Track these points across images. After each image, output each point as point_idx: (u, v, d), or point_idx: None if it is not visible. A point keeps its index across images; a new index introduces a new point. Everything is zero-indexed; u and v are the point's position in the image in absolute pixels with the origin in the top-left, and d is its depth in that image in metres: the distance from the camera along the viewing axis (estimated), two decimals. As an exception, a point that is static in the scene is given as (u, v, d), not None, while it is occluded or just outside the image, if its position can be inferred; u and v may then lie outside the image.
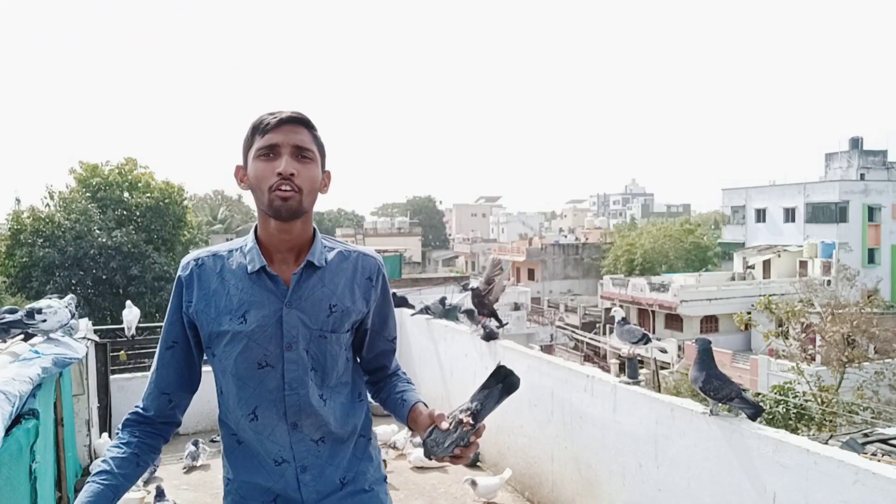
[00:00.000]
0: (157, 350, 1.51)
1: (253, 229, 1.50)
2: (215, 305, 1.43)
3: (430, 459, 1.42)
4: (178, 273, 1.49)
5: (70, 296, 4.04)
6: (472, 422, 1.34)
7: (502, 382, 1.38)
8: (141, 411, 1.51)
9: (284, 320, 1.42)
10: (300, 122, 1.43)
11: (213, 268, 1.46)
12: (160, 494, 4.12)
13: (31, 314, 3.44)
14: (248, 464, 1.47)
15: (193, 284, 1.45)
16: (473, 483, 4.22)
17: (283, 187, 1.37)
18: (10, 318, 3.38)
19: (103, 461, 1.42)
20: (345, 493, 1.49)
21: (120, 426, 1.50)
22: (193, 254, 1.51)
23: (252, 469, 1.46)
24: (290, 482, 1.45)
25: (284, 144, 1.39)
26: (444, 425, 1.36)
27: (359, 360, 1.62)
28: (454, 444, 1.34)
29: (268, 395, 1.43)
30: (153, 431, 1.50)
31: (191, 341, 1.48)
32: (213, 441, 5.48)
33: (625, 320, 4.19)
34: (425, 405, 1.52)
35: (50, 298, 3.78)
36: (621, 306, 31.70)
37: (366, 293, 1.53)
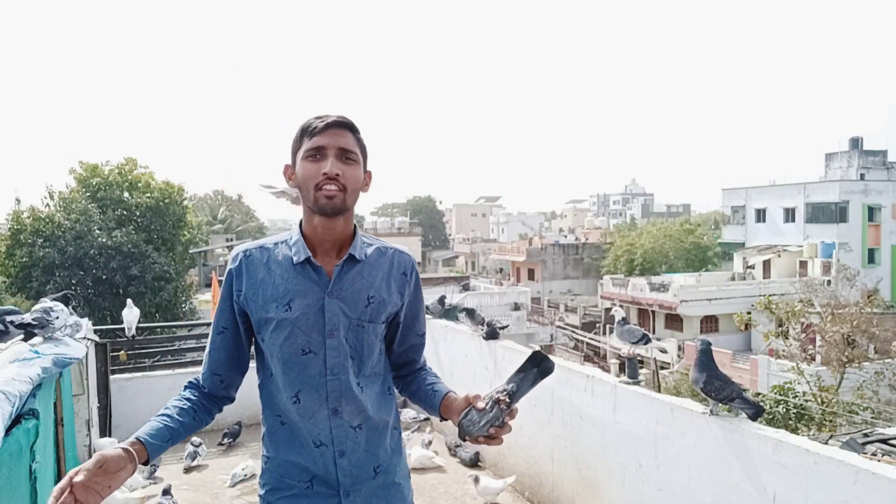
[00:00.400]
0: (210, 335, 1.62)
1: (298, 224, 1.61)
2: (262, 294, 1.53)
3: (465, 441, 1.46)
4: (228, 265, 1.60)
5: (63, 293, 4.04)
6: (507, 401, 1.40)
7: (538, 367, 1.44)
8: (198, 382, 1.62)
9: (326, 309, 1.52)
10: (345, 126, 1.54)
11: (261, 259, 1.57)
12: (166, 492, 4.14)
13: (47, 312, 3.50)
14: (289, 444, 1.56)
15: (242, 275, 1.56)
16: (476, 480, 4.21)
17: (328, 186, 1.48)
18: (31, 316, 3.44)
19: (163, 409, 1.53)
20: (377, 482, 1.59)
21: (182, 388, 1.61)
22: (242, 246, 1.62)
23: (293, 449, 1.55)
24: (328, 465, 1.54)
25: (330, 147, 1.50)
26: (481, 405, 1.43)
27: (390, 354, 1.70)
28: (489, 423, 1.40)
29: (310, 381, 1.52)
30: (208, 401, 1.61)
31: (240, 327, 1.59)
32: (226, 436, 5.52)
33: (625, 320, 4.20)
34: (456, 394, 1.60)
35: (45, 300, 3.79)
36: (621, 306, 31.72)
37: (401, 287, 1.63)
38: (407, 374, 1.73)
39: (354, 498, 1.56)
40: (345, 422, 1.54)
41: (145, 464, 1.44)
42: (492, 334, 5.08)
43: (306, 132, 1.53)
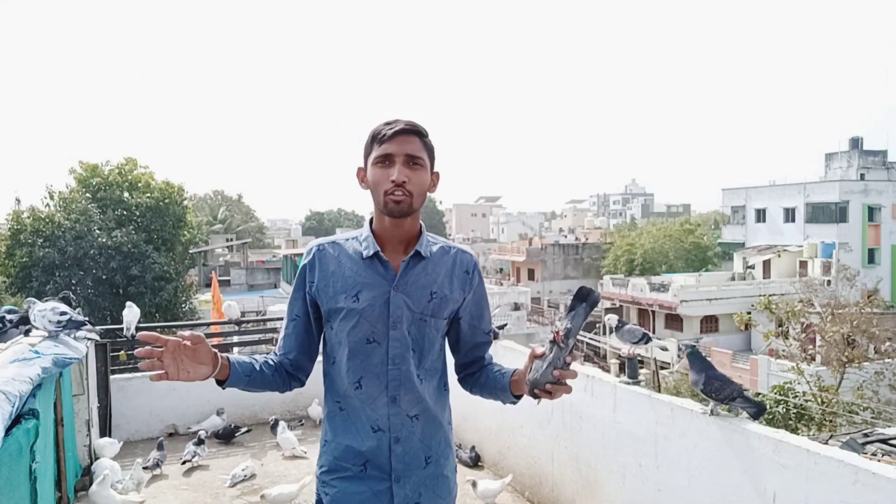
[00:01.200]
0: (284, 321, 1.74)
1: (368, 221, 1.71)
2: (333, 285, 1.63)
3: (536, 398, 1.50)
4: (303, 259, 1.71)
5: (62, 294, 4.06)
6: (563, 337, 1.44)
7: (585, 301, 1.47)
8: (277, 356, 1.74)
9: (391, 302, 1.60)
10: (413, 132, 1.61)
11: (332, 253, 1.67)
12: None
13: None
14: (346, 429, 1.64)
15: (315, 267, 1.66)
16: (474, 484, 4.20)
17: (396, 192, 1.57)
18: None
19: (251, 356, 1.68)
20: (428, 472, 1.65)
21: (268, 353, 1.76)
22: (315, 241, 1.72)
23: (350, 433, 1.63)
24: (383, 450, 1.61)
25: (398, 154, 1.58)
26: (540, 350, 1.48)
27: (457, 353, 1.79)
28: (552, 365, 1.44)
29: (373, 369, 1.61)
30: (284, 372, 1.72)
31: (311, 316, 1.69)
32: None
33: (621, 323, 4.15)
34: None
35: (31, 300, 3.81)
36: (620, 307, 31.71)
37: (463, 285, 1.71)
38: (475, 370, 1.78)
39: (404, 484, 1.62)
40: (402, 410, 1.61)
41: (220, 384, 1.58)
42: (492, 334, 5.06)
43: (376, 139, 1.61)
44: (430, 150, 1.66)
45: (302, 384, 1.77)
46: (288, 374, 1.73)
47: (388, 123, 1.61)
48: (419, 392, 1.63)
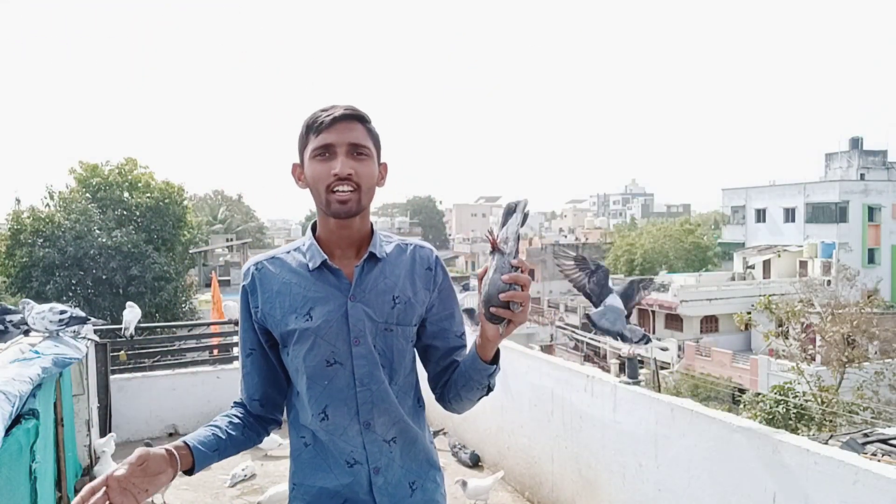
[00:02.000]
0: (240, 358, 1.53)
1: (311, 227, 1.50)
2: (280, 306, 1.42)
3: (495, 320, 1.30)
4: (242, 282, 1.49)
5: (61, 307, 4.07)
6: (503, 244, 1.29)
7: (514, 212, 1.33)
8: (243, 402, 1.53)
9: (350, 314, 1.40)
10: (354, 117, 1.41)
11: (274, 270, 1.46)
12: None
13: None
14: (318, 467, 1.44)
15: (257, 290, 1.45)
16: (464, 484, 4.17)
17: (341, 188, 1.37)
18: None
19: (212, 421, 1.45)
20: (415, 500, 1.46)
21: (230, 407, 1.53)
22: (252, 260, 1.50)
23: (322, 472, 1.43)
24: (363, 485, 1.42)
25: (340, 143, 1.38)
26: (481, 270, 1.32)
27: (428, 363, 1.57)
28: (498, 271, 1.27)
29: (338, 394, 1.41)
30: (256, 421, 1.52)
31: (266, 346, 1.48)
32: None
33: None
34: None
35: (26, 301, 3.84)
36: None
37: (426, 283, 1.51)
38: (448, 377, 1.54)
39: None
40: (378, 436, 1.42)
41: (188, 473, 1.33)
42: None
43: (312, 128, 1.40)
44: (375, 138, 1.45)
45: (280, 424, 1.56)
46: (260, 420, 1.52)
47: (324, 110, 1.41)
48: (394, 412, 1.43)
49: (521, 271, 1.27)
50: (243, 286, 1.48)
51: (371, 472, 1.41)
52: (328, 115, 1.39)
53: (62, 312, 3.69)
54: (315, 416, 1.42)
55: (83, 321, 3.82)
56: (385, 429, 1.43)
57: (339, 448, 1.42)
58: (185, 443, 1.33)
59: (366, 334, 1.41)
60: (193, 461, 1.32)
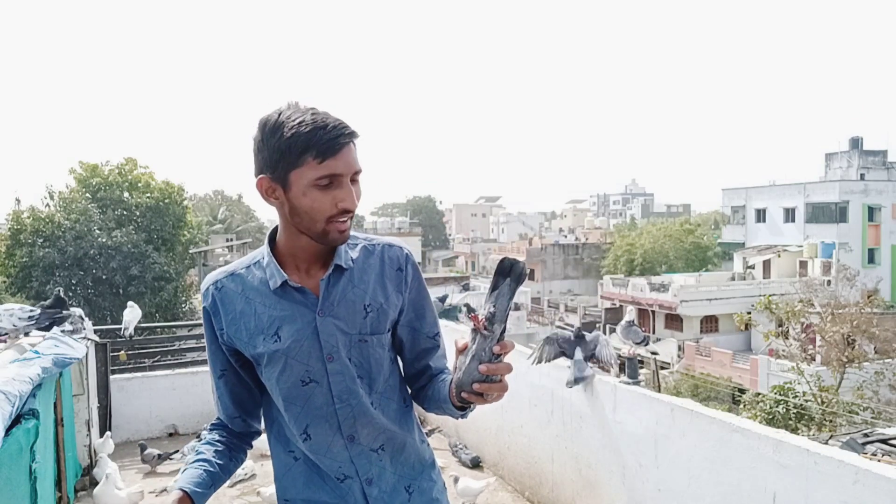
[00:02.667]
0: (212, 379, 1.47)
1: (267, 239, 1.39)
2: (245, 328, 1.35)
3: (464, 406, 1.24)
4: (202, 303, 1.41)
5: (55, 294, 4.09)
6: (485, 324, 1.16)
7: (509, 275, 1.19)
8: (222, 422, 1.49)
9: (320, 330, 1.33)
10: (353, 138, 1.28)
11: (235, 289, 1.37)
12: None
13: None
14: (309, 482, 1.38)
15: (219, 311, 1.37)
16: (456, 480, 4.16)
17: (342, 219, 1.28)
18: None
19: (198, 451, 1.42)
20: (414, 502, 1.42)
21: (207, 428, 1.50)
22: (210, 278, 1.41)
23: (313, 487, 1.38)
24: (357, 498, 1.37)
25: (347, 174, 1.26)
26: (462, 343, 1.21)
27: (403, 364, 1.51)
28: (476, 359, 1.17)
29: (317, 412, 1.35)
30: (238, 439, 1.49)
31: (235, 366, 1.42)
32: (197, 438, 5.46)
33: (632, 322, 4.18)
34: None
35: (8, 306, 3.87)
36: (620, 307, 31.71)
37: (398, 286, 1.42)
38: (425, 383, 1.49)
39: None
40: (364, 447, 1.37)
41: None
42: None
43: (310, 150, 1.23)
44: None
45: (260, 434, 1.51)
46: (242, 437, 1.49)
47: (323, 128, 1.23)
48: (378, 422, 1.38)
49: (504, 354, 1.18)
50: (204, 307, 1.40)
51: (364, 484, 1.37)
52: (333, 139, 1.23)
53: (31, 310, 3.75)
54: (298, 436, 1.37)
55: (55, 319, 3.84)
56: (370, 439, 1.38)
57: (327, 465, 1.37)
58: (182, 490, 1.30)
59: (339, 349, 1.34)
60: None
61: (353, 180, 1.29)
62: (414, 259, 1.48)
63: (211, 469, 1.38)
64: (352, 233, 1.40)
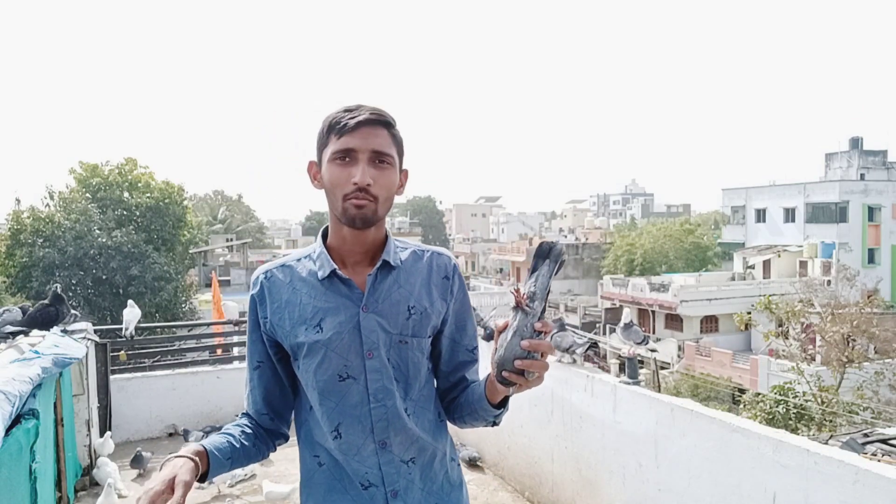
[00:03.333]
0: (246, 371, 1.46)
1: (321, 232, 1.43)
2: (289, 317, 1.36)
3: (507, 384, 1.21)
4: (251, 291, 1.42)
5: (53, 290, 4.11)
6: (527, 301, 1.19)
7: (548, 257, 1.23)
8: (251, 416, 1.47)
9: (362, 325, 1.33)
10: (380, 122, 1.32)
11: (283, 279, 1.39)
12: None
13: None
14: (332, 488, 1.35)
15: (266, 299, 1.39)
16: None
17: (358, 197, 1.29)
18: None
19: (225, 428, 1.40)
20: None
21: (238, 417, 1.49)
22: (262, 268, 1.43)
23: (336, 494, 1.35)
24: None
25: (362, 150, 1.29)
26: (503, 322, 1.21)
27: (437, 378, 1.49)
28: (518, 334, 1.17)
29: (351, 411, 1.33)
30: (264, 433, 1.46)
31: (274, 359, 1.41)
32: (205, 433, 5.44)
33: (631, 323, 4.17)
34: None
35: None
36: (620, 307, 31.71)
37: (443, 293, 1.42)
38: (457, 395, 1.46)
39: None
40: (395, 456, 1.34)
41: (201, 479, 1.27)
42: (491, 335, 5.04)
43: (334, 129, 1.31)
44: (399, 144, 1.37)
45: (286, 438, 1.51)
46: (270, 434, 1.46)
47: (348, 110, 1.32)
48: (411, 430, 1.35)
49: (545, 335, 1.18)
50: (252, 295, 1.41)
51: (388, 495, 1.33)
52: (352, 118, 1.30)
53: (7, 309, 3.80)
54: (329, 433, 1.35)
55: (43, 315, 3.89)
56: (402, 448, 1.35)
57: (354, 469, 1.34)
58: (203, 448, 1.28)
59: (379, 347, 1.33)
60: (209, 468, 1.28)
61: (377, 163, 1.31)
62: (460, 270, 1.49)
63: (235, 444, 1.36)
64: (401, 240, 1.45)
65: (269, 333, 1.39)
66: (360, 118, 1.30)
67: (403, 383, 1.37)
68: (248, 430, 1.42)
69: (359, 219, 1.31)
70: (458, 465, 1.49)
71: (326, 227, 1.42)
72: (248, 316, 1.43)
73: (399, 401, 1.35)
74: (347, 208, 1.30)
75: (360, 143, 1.29)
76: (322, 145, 1.35)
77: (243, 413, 1.48)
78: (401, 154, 1.39)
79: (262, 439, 1.44)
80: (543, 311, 1.20)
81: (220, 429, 1.47)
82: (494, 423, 1.42)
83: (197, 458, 1.24)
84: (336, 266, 1.35)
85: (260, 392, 1.43)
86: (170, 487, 1.16)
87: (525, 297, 1.19)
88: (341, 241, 1.37)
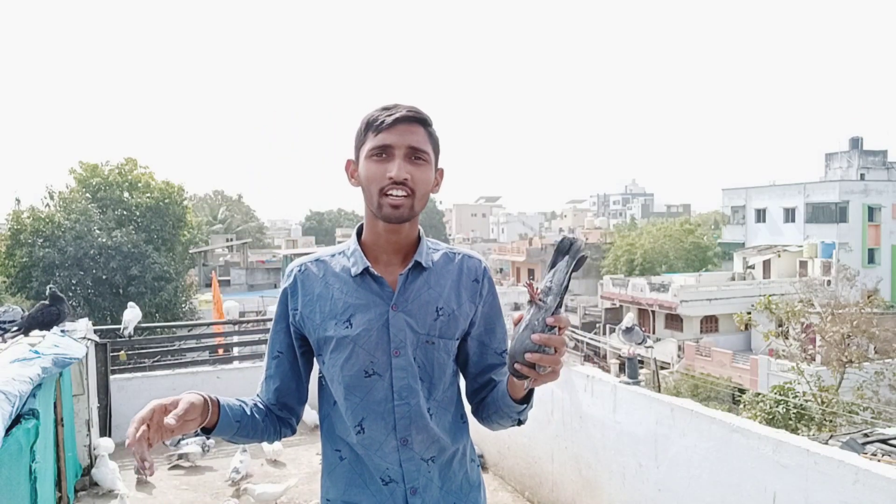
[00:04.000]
0: (265, 359, 1.49)
1: (356, 230, 1.45)
2: (320, 311, 1.38)
3: (519, 376, 1.21)
4: (283, 283, 1.45)
5: (50, 291, 4.10)
6: (541, 297, 1.19)
7: (567, 253, 1.24)
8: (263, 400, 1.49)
9: (391, 323, 1.35)
10: (416, 120, 1.35)
11: (317, 273, 1.42)
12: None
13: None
14: (352, 482, 1.38)
15: (298, 292, 1.41)
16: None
17: (395, 192, 1.31)
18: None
19: (239, 398, 1.41)
20: None
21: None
22: (297, 261, 1.46)
23: (356, 488, 1.38)
24: None
25: (399, 146, 1.32)
26: (517, 316, 1.22)
27: (466, 379, 1.52)
28: (529, 328, 1.17)
29: (375, 407, 1.36)
30: (274, 419, 1.47)
31: (297, 351, 1.44)
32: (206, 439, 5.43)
33: (633, 327, 4.13)
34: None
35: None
36: (620, 307, 31.72)
37: (472, 296, 1.45)
38: (484, 396, 1.48)
39: None
40: (416, 454, 1.36)
41: (207, 432, 1.31)
42: None
43: (371, 126, 1.34)
44: (435, 143, 1.39)
45: (293, 431, 1.53)
46: (279, 421, 1.48)
47: (386, 109, 1.35)
48: (433, 430, 1.38)
49: (559, 331, 1.18)
50: (284, 288, 1.44)
51: (408, 492, 1.36)
52: (389, 115, 1.33)
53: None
54: (352, 427, 1.37)
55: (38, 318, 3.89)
56: (424, 447, 1.37)
57: (375, 464, 1.37)
58: (217, 401, 1.30)
59: (406, 346, 1.36)
60: (217, 422, 1.31)
61: (414, 160, 1.34)
62: (490, 273, 1.51)
63: (246, 412, 1.38)
64: (432, 242, 1.47)
65: (297, 326, 1.41)
66: (398, 115, 1.33)
67: (428, 383, 1.39)
68: (261, 407, 1.44)
69: (394, 215, 1.33)
70: (478, 466, 1.51)
71: (361, 225, 1.45)
72: (277, 307, 1.46)
73: (423, 400, 1.37)
74: (383, 204, 1.32)
75: (397, 140, 1.32)
76: (360, 143, 1.38)
77: (257, 395, 1.48)
78: (437, 152, 1.41)
79: (271, 421, 1.46)
80: (559, 306, 1.20)
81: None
82: (520, 422, 1.43)
83: (208, 401, 1.27)
84: (369, 263, 1.38)
85: (275, 382, 1.45)
86: (173, 403, 1.22)
87: (539, 291, 1.20)
88: (375, 237, 1.40)
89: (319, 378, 1.47)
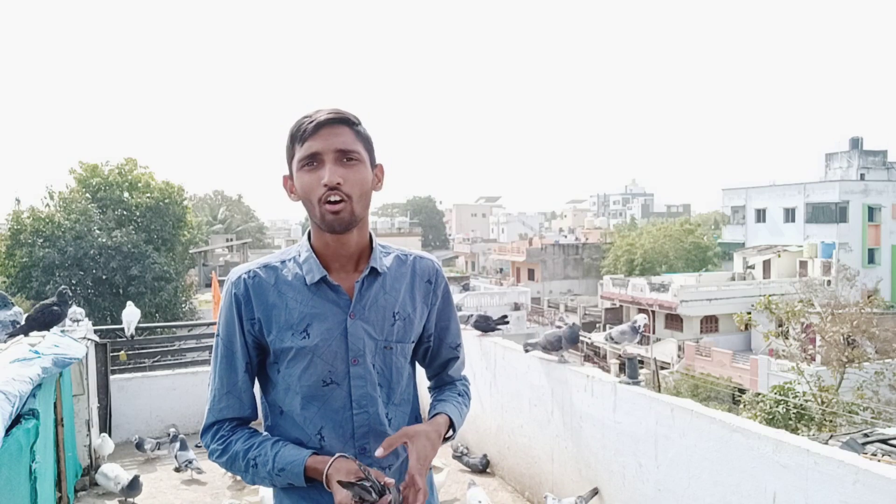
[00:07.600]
0: (223, 373, 1.39)
1: (306, 236, 1.42)
2: (275, 321, 1.34)
3: None
4: (231, 290, 1.37)
5: (60, 290, 4.10)
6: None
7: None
8: (245, 418, 1.43)
9: (349, 332, 1.34)
10: (340, 121, 1.31)
11: (268, 280, 1.36)
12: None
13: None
14: (306, 497, 1.34)
15: (251, 300, 1.35)
16: (471, 484, 4.10)
17: (332, 198, 1.28)
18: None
19: (283, 441, 1.36)
20: None
21: (230, 431, 1.40)
22: (242, 267, 1.39)
23: (313, 499, 1.34)
24: None
25: (326, 151, 1.29)
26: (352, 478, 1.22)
27: (427, 369, 1.57)
28: None
29: (333, 416, 1.35)
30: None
31: (254, 361, 1.39)
32: (197, 446, 5.36)
33: (638, 328, 4.08)
34: (448, 416, 1.42)
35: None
36: (620, 307, 31.72)
37: (426, 297, 1.46)
38: (439, 385, 1.57)
39: None
40: (374, 462, 1.34)
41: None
42: (484, 326, 4.76)
43: (297, 137, 1.31)
44: (365, 141, 1.35)
45: None
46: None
47: (307, 116, 1.31)
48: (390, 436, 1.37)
49: None
50: (234, 294, 1.36)
51: None
52: (311, 122, 1.30)
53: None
54: (311, 437, 1.35)
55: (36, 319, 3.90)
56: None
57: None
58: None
59: (365, 353, 1.35)
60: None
61: (345, 162, 1.30)
62: (443, 273, 1.53)
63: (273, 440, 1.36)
64: (384, 244, 1.46)
65: (257, 335, 1.36)
66: (319, 120, 1.30)
67: (387, 388, 1.40)
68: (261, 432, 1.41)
69: (337, 223, 1.30)
70: (430, 468, 1.49)
71: (311, 231, 1.41)
72: (226, 316, 1.37)
73: (381, 407, 1.38)
74: (324, 213, 1.29)
75: (324, 145, 1.29)
76: (290, 156, 1.34)
77: (233, 422, 1.39)
78: (370, 150, 1.37)
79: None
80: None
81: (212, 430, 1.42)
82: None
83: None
84: (325, 272, 1.35)
85: (250, 393, 1.40)
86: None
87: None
88: (325, 246, 1.37)
89: (262, 390, 1.42)
